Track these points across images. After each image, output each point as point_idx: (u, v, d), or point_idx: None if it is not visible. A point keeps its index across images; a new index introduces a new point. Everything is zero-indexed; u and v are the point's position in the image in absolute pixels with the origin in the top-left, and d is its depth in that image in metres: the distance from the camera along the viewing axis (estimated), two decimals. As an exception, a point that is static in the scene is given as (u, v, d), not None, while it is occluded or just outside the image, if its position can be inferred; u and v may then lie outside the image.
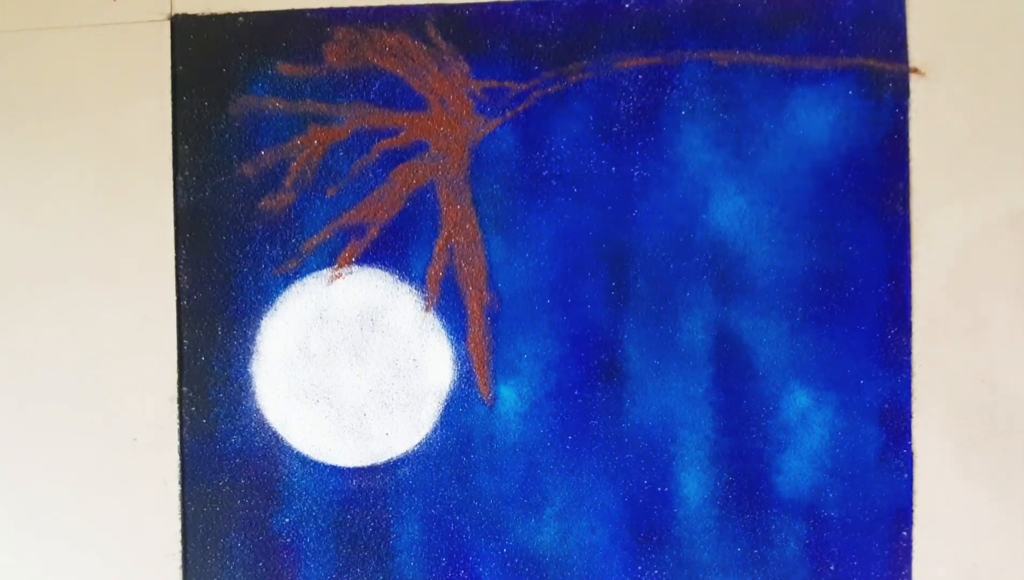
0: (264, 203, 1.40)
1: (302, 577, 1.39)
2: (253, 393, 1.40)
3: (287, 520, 1.39)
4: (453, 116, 1.38)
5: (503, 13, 1.37)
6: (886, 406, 1.35)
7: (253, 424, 1.39)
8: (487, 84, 1.38)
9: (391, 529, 1.38)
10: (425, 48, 1.39)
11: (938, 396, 1.35)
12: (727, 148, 1.37)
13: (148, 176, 1.40)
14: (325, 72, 1.40)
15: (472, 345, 1.38)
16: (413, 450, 1.39)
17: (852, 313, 1.36)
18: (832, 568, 1.36)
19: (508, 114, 1.37)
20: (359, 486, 1.39)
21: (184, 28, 1.40)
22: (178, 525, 1.39)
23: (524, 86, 1.38)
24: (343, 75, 1.39)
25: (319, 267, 1.39)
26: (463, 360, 1.38)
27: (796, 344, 1.36)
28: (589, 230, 1.38)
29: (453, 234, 1.38)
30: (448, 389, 1.39)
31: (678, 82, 1.37)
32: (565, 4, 1.38)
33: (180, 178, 1.40)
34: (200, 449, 1.39)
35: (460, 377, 1.38)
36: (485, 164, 1.38)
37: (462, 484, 1.38)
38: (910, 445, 1.35)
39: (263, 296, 1.40)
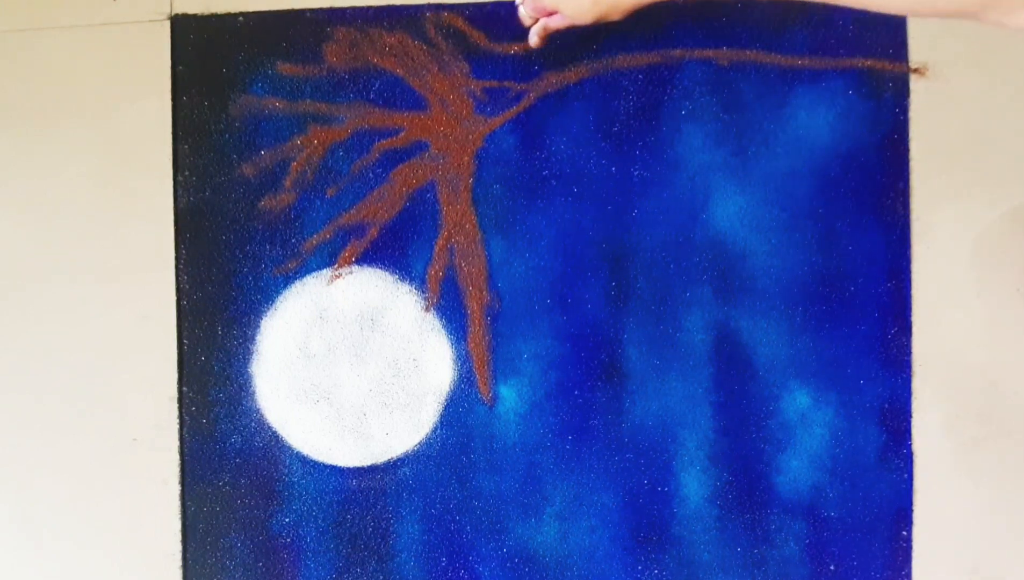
0: (264, 203, 1.40)
1: (302, 577, 1.39)
2: (253, 393, 1.40)
3: (287, 520, 1.39)
4: (453, 116, 1.38)
5: (503, 13, 1.37)
6: (886, 406, 1.35)
7: (253, 424, 1.39)
8: (487, 84, 1.38)
9: (391, 529, 1.38)
10: (425, 48, 1.39)
11: (938, 396, 1.35)
12: (727, 148, 1.37)
13: (148, 176, 1.40)
14: (325, 72, 1.40)
15: (472, 345, 1.38)
16: (413, 450, 1.39)
17: (852, 313, 1.36)
18: (832, 568, 1.36)
19: (508, 113, 1.37)
20: (359, 486, 1.39)
21: (184, 28, 1.40)
22: (178, 525, 1.39)
23: (524, 86, 1.38)
24: (343, 75, 1.39)
25: (319, 267, 1.39)
26: (463, 360, 1.38)
27: (796, 344, 1.36)
28: (589, 230, 1.38)
29: (453, 234, 1.38)
30: (448, 389, 1.39)
31: (678, 82, 1.37)
32: (565, 4, 1.38)
33: (180, 178, 1.40)
34: (200, 449, 1.39)
35: (460, 377, 1.38)
36: (485, 164, 1.38)
37: (462, 484, 1.38)
38: (910, 445, 1.35)
39: (263, 296, 1.40)
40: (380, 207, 1.39)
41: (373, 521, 1.38)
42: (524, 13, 1.25)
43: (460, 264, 1.38)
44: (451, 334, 1.38)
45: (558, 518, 1.37)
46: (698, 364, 1.36)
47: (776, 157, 1.36)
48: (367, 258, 1.39)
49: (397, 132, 1.39)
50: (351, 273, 1.39)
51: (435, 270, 1.38)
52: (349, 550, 1.38)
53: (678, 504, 1.36)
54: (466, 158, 1.38)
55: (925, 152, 1.35)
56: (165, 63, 1.40)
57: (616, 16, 1.16)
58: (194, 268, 1.40)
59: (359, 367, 1.39)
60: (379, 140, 1.39)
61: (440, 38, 1.39)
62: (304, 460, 1.39)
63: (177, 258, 1.40)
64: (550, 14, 1.22)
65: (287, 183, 1.39)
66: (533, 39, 1.28)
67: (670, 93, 1.37)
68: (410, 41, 1.39)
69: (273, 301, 1.39)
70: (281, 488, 1.39)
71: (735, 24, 1.37)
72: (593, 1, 1.13)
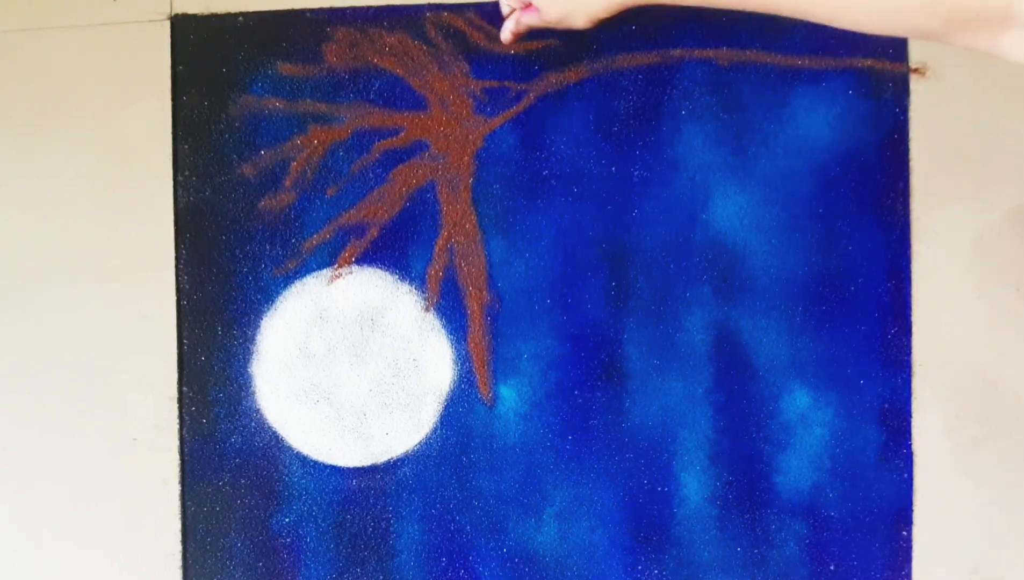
0: (264, 203, 1.40)
1: (302, 577, 1.39)
2: (253, 393, 1.40)
3: (287, 520, 1.39)
4: (453, 116, 1.38)
5: (503, 13, 1.37)
6: (886, 406, 1.35)
7: (253, 424, 1.39)
8: (487, 84, 1.38)
9: (391, 529, 1.38)
10: (425, 48, 1.39)
11: (938, 396, 1.35)
12: (727, 148, 1.37)
13: (148, 176, 1.40)
14: (325, 72, 1.40)
15: (472, 345, 1.38)
16: (413, 450, 1.39)
17: (852, 313, 1.36)
18: (832, 568, 1.36)
19: (508, 113, 1.37)
20: (359, 486, 1.39)
21: (184, 28, 1.40)
22: (178, 525, 1.39)
23: (524, 86, 1.38)
24: (343, 75, 1.39)
25: (319, 267, 1.39)
26: (463, 360, 1.38)
27: (796, 344, 1.36)
28: (589, 230, 1.37)
29: (453, 234, 1.38)
30: (448, 389, 1.39)
31: (678, 82, 1.37)
32: (565, 4, 1.38)
33: (180, 178, 1.40)
34: (200, 449, 1.39)
35: (460, 377, 1.38)
36: (485, 164, 1.38)
37: (462, 484, 1.38)
38: (910, 445, 1.35)
39: (263, 296, 1.40)
40: (380, 207, 1.39)
41: (373, 521, 1.38)
42: (504, 1, 1.24)
43: (460, 264, 1.38)
44: (451, 334, 1.38)
45: (558, 518, 1.37)
46: (698, 364, 1.36)
47: (776, 157, 1.36)
48: (367, 258, 1.39)
49: (397, 132, 1.39)
50: (351, 273, 1.39)
51: (435, 270, 1.38)
52: (349, 550, 1.38)
53: (678, 504, 1.36)
54: (466, 158, 1.38)
55: (925, 152, 1.35)
56: (165, 63, 1.40)
57: (581, 23, 1.15)
58: (194, 268, 1.40)
59: (359, 367, 1.39)
60: (379, 140, 1.39)
61: (440, 38, 1.39)
62: (304, 460, 1.39)
63: (177, 258, 1.40)
64: (528, 6, 1.21)
65: (287, 183, 1.39)
66: (506, 34, 1.26)
67: (670, 93, 1.37)
68: (410, 41, 1.39)
69: (273, 301, 1.39)
70: (281, 488, 1.39)
71: (735, 24, 1.37)
72: None
